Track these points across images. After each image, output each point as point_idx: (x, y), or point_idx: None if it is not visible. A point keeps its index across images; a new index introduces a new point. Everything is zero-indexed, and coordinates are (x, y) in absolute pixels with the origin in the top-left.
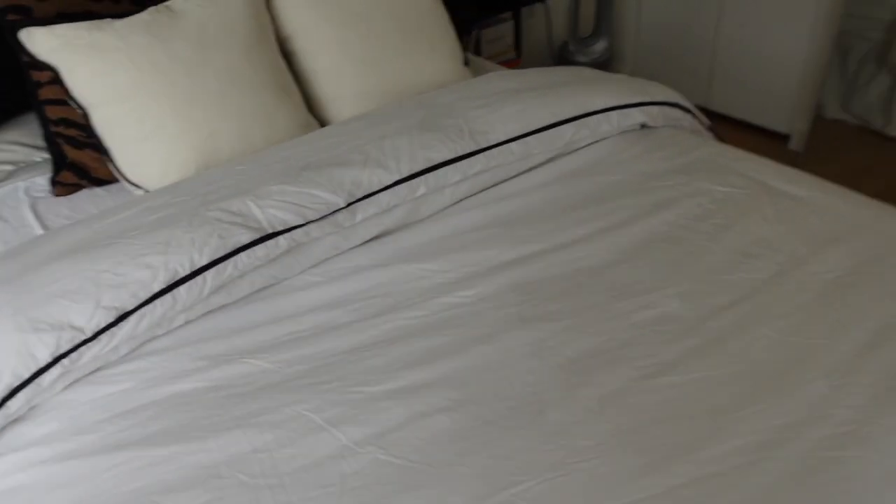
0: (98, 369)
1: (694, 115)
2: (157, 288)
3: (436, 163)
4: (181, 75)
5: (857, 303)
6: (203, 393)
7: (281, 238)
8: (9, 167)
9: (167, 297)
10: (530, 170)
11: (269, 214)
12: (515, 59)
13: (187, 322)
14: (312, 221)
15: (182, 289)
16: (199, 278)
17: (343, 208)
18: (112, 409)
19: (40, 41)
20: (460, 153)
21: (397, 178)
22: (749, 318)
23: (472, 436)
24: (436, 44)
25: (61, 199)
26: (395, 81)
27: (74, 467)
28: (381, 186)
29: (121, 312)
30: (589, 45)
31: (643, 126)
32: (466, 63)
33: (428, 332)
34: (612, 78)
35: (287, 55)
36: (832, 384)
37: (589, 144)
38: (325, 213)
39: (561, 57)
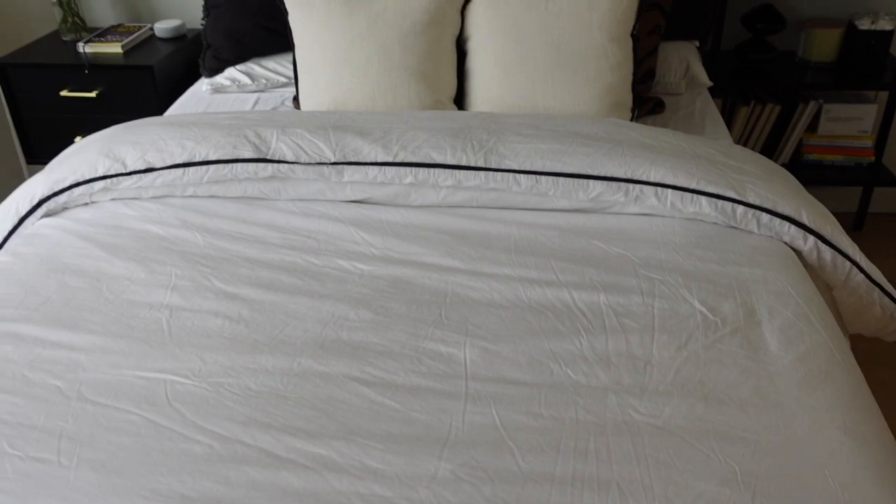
0: (131, 198)
1: (827, 244)
2: (177, 161)
3: (433, 162)
4: (346, 40)
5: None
6: (157, 238)
7: (269, 165)
8: (284, 80)
9: (179, 170)
10: (554, 210)
11: (278, 146)
12: (868, 148)
13: (194, 195)
14: (300, 163)
15: (190, 169)
16: (203, 167)
17: (330, 164)
18: (115, 221)
19: None
20: (462, 163)
21: (390, 160)
22: (510, 400)
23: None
24: (589, 81)
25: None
26: (530, 97)
27: (75, 234)
28: (373, 160)
29: (149, 165)
30: None
31: (733, 228)
32: (633, 113)
33: (296, 273)
34: (717, 161)
35: (462, 52)
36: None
37: (638, 215)
38: (314, 161)
39: None
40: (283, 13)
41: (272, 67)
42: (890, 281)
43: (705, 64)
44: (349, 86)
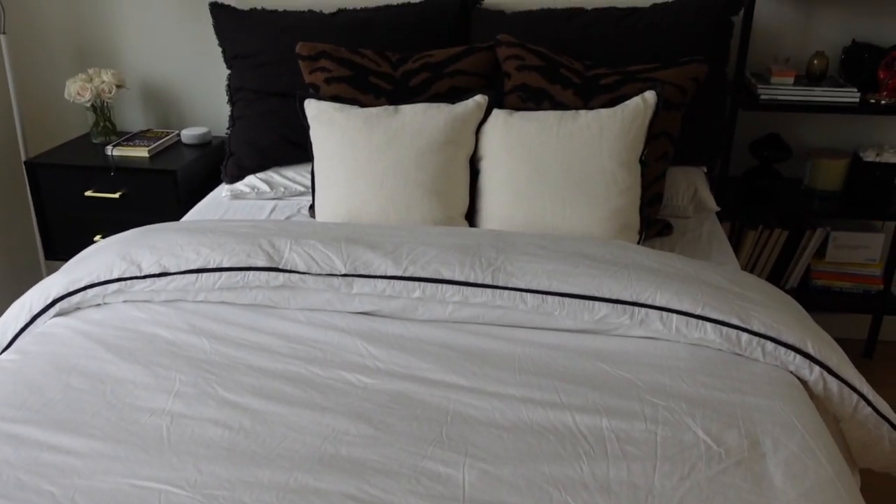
0: (144, 301)
1: (833, 375)
2: (192, 267)
3: (442, 277)
4: (364, 156)
5: None
6: (164, 342)
7: (281, 274)
8: (302, 188)
9: (192, 275)
10: (560, 330)
11: (291, 256)
12: (876, 276)
13: (205, 300)
14: (311, 274)
15: (204, 275)
16: (217, 273)
17: (340, 275)
18: (125, 324)
19: (309, 108)
20: (469, 280)
21: (399, 274)
22: None
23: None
24: (599, 204)
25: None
26: (540, 217)
27: (85, 335)
28: (382, 274)
29: (164, 270)
30: None
31: (738, 355)
32: (641, 236)
33: (299, 384)
34: (723, 288)
35: (476, 170)
36: None
37: (644, 338)
38: (325, 273)
39: None
40: (306, 127)
41: (291, 177)
42: None
43: (714, 188)
44: (364, 198)
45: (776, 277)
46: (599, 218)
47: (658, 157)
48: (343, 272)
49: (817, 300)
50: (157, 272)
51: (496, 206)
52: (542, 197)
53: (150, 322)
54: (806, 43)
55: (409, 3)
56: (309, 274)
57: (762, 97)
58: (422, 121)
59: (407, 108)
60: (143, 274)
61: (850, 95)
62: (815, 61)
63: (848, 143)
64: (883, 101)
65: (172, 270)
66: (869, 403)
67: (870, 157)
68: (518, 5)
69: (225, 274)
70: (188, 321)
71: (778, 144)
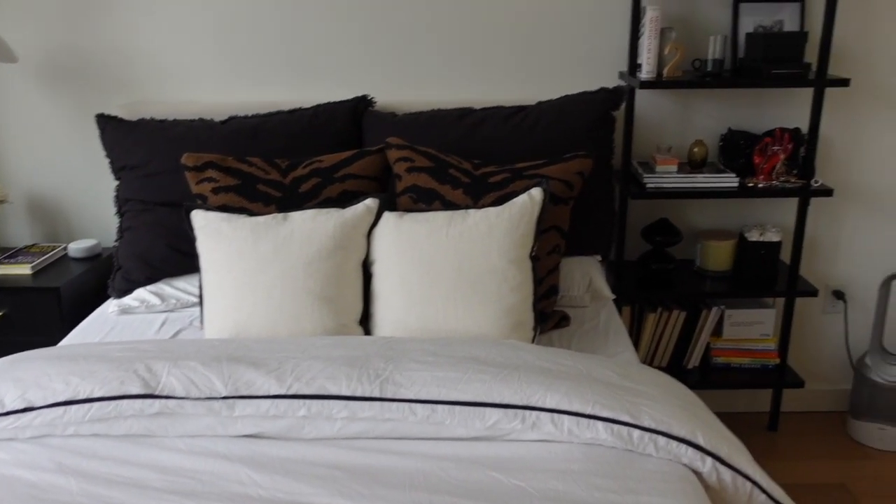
0: (7, 439)
1: (725, 465)
2: (59, 399)
3: (328, 393)
4: (251, 266)
5: None
6: (26, 486)
7: (157, 401)
8: (195, 299)
9: (60, 408)
10: (452, 440)
11: (168, 381)
12: (772, 350)
13: (75, 434)
14: (189, 398)
15: (73, 407)
16: (87, 405)
17: (221, 398)
18: None
19: (196, 219)
20: (356, 394)
21: (283, 392)
22: None
23: None
24: (490, 303)
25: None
26: (434, 320)
27: None
28: (265, 394)
29: (29, 405)
30: (894, 363)
31: (631, 451)
32: (535, 331)
33: None
34: (613, 384)
35: (368, 275)
36: None
37: (537, 441)
38: (204, 396)
39: (858, 371)
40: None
41: (183, 287)
42: (812, 483)
43: (611, 274)
44: (252, 310)
45: (679, 357)
46: (492, 317)
47: (550, 250)
48: (224, 394)
49: (719, 377)
50: (21, 408)
51: (389, 310)
52: (434, 299)
53: (12, 463)
54: (686, 132)
55: (300, 109)
56: (187, 399)
57: (648, 186)
58: (311, 227)
59: (296, 215)
60: (5, 410)
61: (730, 181)
62: (696, 149)
63: (733, 224)
64: (760, 185)
65: (38, 405)
66: (763, 491)
67: (754, 236)
68: (409, 107)
69: (96, 405)
70: (55, 459)
71: (668, 229)
